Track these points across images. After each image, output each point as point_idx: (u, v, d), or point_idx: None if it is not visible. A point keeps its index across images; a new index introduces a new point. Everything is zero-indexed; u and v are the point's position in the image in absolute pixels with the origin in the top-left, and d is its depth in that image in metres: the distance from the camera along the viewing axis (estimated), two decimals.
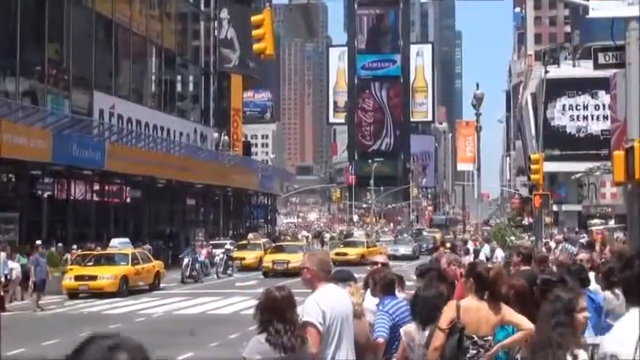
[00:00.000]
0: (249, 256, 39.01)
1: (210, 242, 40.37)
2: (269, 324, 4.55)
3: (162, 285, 29.29)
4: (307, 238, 58.48)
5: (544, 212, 38.04)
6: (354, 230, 78.49)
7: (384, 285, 6.73)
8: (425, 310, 5.94)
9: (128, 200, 44.08)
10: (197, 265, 32.98)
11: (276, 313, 4.56)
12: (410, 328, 6.04)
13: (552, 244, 26.84)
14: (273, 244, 41.66)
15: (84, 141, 35.35)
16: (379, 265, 7.90)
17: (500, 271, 6.22)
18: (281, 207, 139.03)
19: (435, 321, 5.67)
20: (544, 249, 24.04)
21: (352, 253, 41.14)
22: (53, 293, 25.27)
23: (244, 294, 25.60)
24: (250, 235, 46.40)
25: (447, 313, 5.63)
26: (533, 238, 38.98)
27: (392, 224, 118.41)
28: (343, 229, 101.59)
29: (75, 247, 31.81)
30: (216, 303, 23.59)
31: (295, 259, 30.35)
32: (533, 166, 32.50)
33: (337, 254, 40.51)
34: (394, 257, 39.78)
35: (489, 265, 6.56)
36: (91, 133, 37.80)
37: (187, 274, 32.27)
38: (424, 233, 73.89)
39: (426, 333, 5.83)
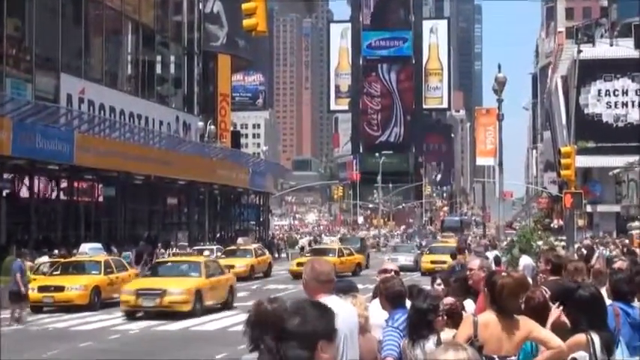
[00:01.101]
0: (239, 264, 38.97)
1: (194, 247, 40.28)
2: (260, 341, 4.43)
3: None
4: (302, 248, 57.85)
5: (576, 214, 38.02)
6: (339, 235, 78.26)
7: (393, 296, 6.69)
8: (413, 325, 5.95)
9: (100, 199, 44.07)
10: None
11: (267, 329, 4.41)
12: (404, 344, 6.06)
13: (583, 251, 26.78)
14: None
15: (49, 131, 35.23)
16: (390, 274, 7.81)
17: (521, 280, 6.19)
18: (275, 207, 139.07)
19: (426, 337, 5.65)
20: (576, 255, 23.96)
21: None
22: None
23: (232, 307, 25.53)
24: (240, 240, 46.44)
25: (463, 330, 5.60)
26: (564, 243, 38.94)
27: (403, 227, 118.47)
28: (345, 231, 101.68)
29: (46, 252, 31.70)
30: (200, 318, 23.51)
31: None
32: (563, 161, 32.46)
33: (300, 265, 40.01)
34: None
35: (514, 274, 6.50)
36: (58, 122, 37.68)
37: None
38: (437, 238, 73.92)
39: (417, 352, 5.79)
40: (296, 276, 38.52)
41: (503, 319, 5.59)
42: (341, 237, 70.36)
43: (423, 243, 63.32)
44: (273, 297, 4.61)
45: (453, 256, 21.12)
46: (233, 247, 42.95)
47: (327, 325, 3.37)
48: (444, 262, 32.92)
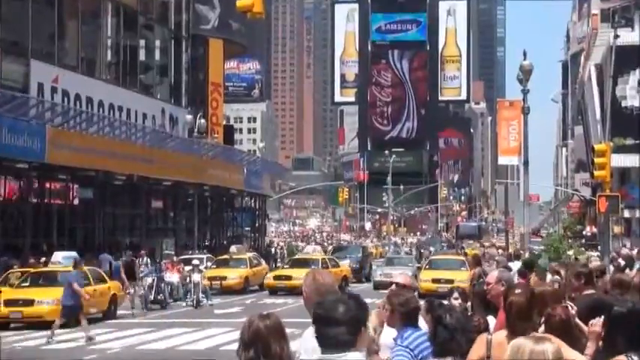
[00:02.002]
0: (232, 275, 38.85)
1: (181, 257, 40.22)
2: None
3: (119, 312, 29.21)
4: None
5: (612, 220, 37.89)
6: (319, 244, 78.02)
7: (406, 313, 6.67)
8: (441, 344, 6.11)
9: (76, 202, 43.95)
10: (163, 286, 32.94)
11: (260, 348, 4.60)
12: None
13: (620, 261, 26.67)
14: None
15: (18, 125, 35.10)
16: (400, 287, 7.84)
17: (542, 296, 6.36)
18: (272, 211, 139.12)
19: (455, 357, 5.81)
20: (612, 267, 23.86)
21: (298, 275, 38.95)
22: None
23: (225, 324, 25.50)
24: (233, 248, 46.26)
25: (476, 349, 5.71)
26: (597, 253, 38.82)
27: (418, 234, 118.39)
28: (350, 238, 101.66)
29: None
30: (188, 336, 23.56)
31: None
32: (597, 160, 32.36)
33: (277, 278, 39.69)
34: (380, 285, 36.17)
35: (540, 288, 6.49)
36: (28, 115, 37.56)
37: (151, 297, 32.19)
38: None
39: None
40: (273, 291, 38.44)
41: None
42: (336, 245, 70.26)
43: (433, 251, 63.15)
44: (265, 313, 4.76)
45: (474, 265, 21.03)
46: (225, 257, 42.90)
47: (365, 314, 4.34)
48: (450, 282, 32.04)
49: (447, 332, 6.14)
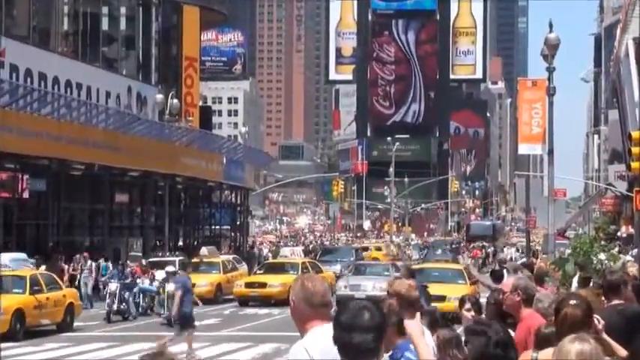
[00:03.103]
0: (201, 282, 38.07)
1: (150, 260, 40.08)
2: None
3: (76, 324, 28.98)
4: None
5: None
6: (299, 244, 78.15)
7: (397, 325, 6.59)
8: None
9: (26, 195, 43.73)
10: (127, 295, 32.66)
11: None
12: None
13: None
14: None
15: None
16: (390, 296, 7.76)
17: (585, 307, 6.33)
18: (256, 207, 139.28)
19: None
20: None
21: (276, 282, 37.76)
22: None
23: (199, 338, 25.32)
24: (203, 250, 46.11)
25: None
26: (630, 256, 38.79)
27: (425, 234, 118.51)
28: (348, 238, 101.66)
29: None
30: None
31: None
32: (635, 149, 32.25)
33: (249, 285, 39.26)
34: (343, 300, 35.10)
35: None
36: None
37: (114, 307, 31.93)
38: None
39: None
40: (244, 301, 38.16)
41: None
42: (324, 247, 70.24)
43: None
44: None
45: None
46: (195, 260, 42.48)
47: (385, 320, 4.74)
48: (442, 298, 27.36)
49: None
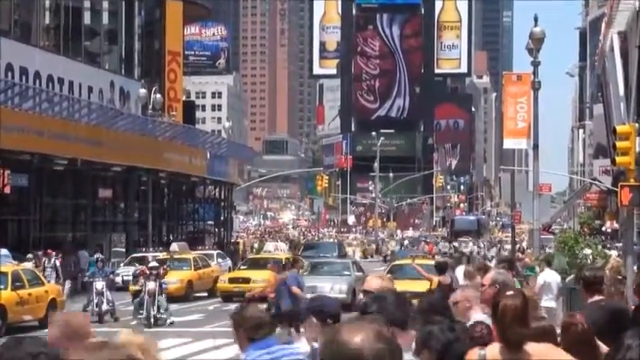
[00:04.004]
0: (171, 279, 37.34)
1: (133, 255, 40.00)
2: None
3: None
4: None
5: (636, 213, 37.78)
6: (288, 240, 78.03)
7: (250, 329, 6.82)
8: None
9: (7, 190, 43.56)
10: (109, 294, 32.00)
11: None
12: None
13: None
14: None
15: None
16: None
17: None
18: (240, 202, 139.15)
19: None
20: (635, 267, 23.84)
21: (260, 278, 35.97)
22: None
23: (182, 334, 25.33)
24: (174, 246, 45.93)
25: None
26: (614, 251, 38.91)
27: (410, 229, 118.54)
28: (334, 233, 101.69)
29: None
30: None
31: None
32: (619, 144, 32.15)
33: (232, 280, 39.07)
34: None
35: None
36: None
37: (96, 307, 31.04)
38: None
39: None
40: (227, 297, 38.02)
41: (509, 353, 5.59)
42: (305, 242, 70.15)
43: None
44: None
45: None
46: (165, 256, 41.93)
47: (403, 314, 5.01)
48: (416, 296, 26.57)
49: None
